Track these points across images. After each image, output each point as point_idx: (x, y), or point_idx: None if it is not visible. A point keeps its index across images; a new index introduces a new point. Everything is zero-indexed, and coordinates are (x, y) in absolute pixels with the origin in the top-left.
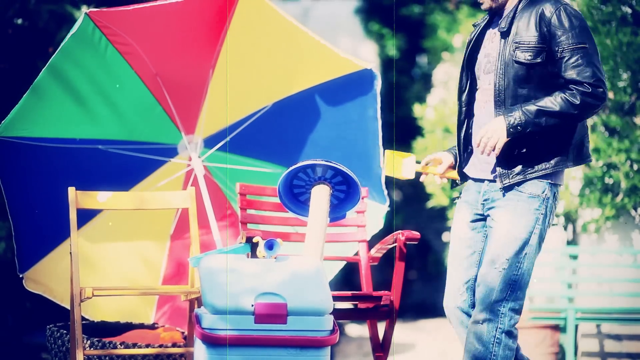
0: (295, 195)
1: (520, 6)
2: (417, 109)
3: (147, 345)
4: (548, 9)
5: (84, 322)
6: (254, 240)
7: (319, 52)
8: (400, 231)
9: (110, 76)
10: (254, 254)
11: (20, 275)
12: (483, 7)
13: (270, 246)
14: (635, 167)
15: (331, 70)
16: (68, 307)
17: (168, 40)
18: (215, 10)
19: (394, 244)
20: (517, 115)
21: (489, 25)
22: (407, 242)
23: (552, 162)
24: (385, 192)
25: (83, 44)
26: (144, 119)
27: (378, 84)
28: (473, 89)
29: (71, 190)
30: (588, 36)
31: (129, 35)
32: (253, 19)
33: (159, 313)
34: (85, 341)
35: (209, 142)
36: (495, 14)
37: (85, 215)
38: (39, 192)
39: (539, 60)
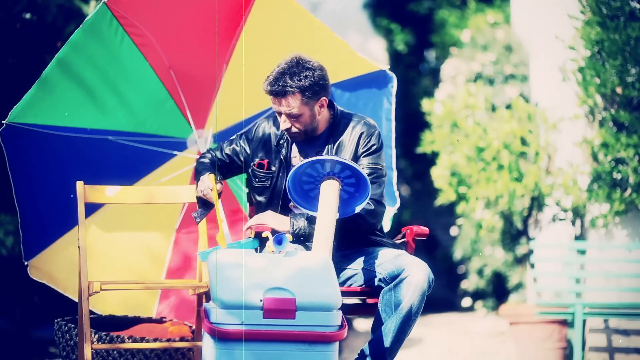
0: (305, 191)
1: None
2: (426, 104)
3: (155, 340)
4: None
5: (91, 316)
6: (263, 235)
7: (336, 51)
8: (409, 226)
9: (124, 67)
10: (263, 249)
11: (25, 263)
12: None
13: (279, 241)
14: None
15: (347, 70)
16: (71, 296)
17: (183, 33)
18: (232, 4)
19: (403, 239)
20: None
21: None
22: (416, 238)
23: None
24: (397, 193)
25: (99, 33)
26: (155, 111)
27: (393, 86)
28: None
29: (79, 185)
30: None
31: (145, 26)
32: (272, 13)
33: (162, 306)
34: (93, 335)
35: (219, 138)
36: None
37: (90, 207)
38: (46, 180)
39: None
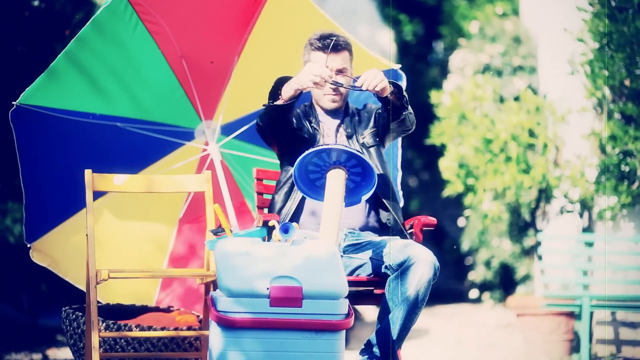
0: (311, 180)
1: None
2: (434, 96)
3: (163, 328)
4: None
5: (99, 304)
6: (270, 224)
7: None
8: (417, 217)
9: (136, 54)
10: (270, 238)
11: (28, 245)
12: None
13: (285, 230)
14: None
15: (358, 69)
16: (71, 281)
17: (198, 23)
18: None
19: (411, 230)
20: None
21: None
22: (424, 228)
23: None
24: (401, 192)
25: (114, 19)
26: (164, 100)
27: (403, 85)
28: None
29: (87, 173)
30: None
31: (160, 14)
32: (285, 9)
33: (162, 294)
34: (100, 323)
35: (226, 129)
36: None
37: (95, 193)
38: (53, 163)
39: None
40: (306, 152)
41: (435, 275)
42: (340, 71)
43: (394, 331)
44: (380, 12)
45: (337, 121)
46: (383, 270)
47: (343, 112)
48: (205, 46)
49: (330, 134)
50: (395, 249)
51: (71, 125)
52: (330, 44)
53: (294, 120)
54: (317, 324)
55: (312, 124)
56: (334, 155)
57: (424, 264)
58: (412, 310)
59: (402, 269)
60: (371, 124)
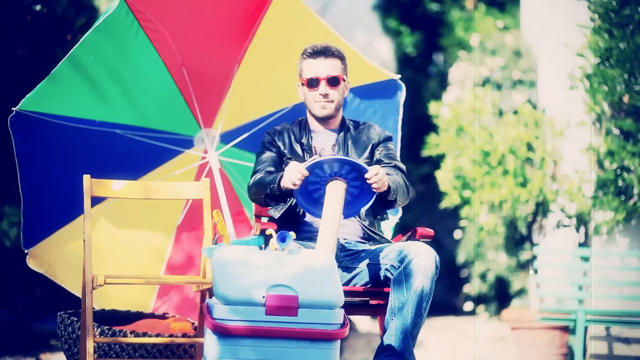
0: (309, 193)
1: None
2: (433, 107)
3: (157, 335)
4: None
5: (94, 310)
6: (267, 232)
7: (347, 59)
8: (414, 228)
9: (136, 61)
10: (267, 247)
11: (25, 251)
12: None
13: (282, 239)
14: None
15: (357, 78)
16: (68, 288)
17: (198, 31)
18: (248, 6)
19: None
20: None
21: None
22: (421, 239)
23: None
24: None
25: (115, 26)
26: (164, 107)
27: (402, 95)
28: None
29: (86, 178)
30: None
31: (161, 22)
32: (286, 18)
33: (159, 302)
34: (95, 329)
35: (226, 138)
36: None
37: (93, 200)
38: (52, 170)
39: None
40: (306, 163)
41: (437, 269)
42: (331, 77)
43: (406, 327)
44: (382, 23)
45: (331, 140)
46: (383, 273)
47: (338, 129)
48: (205, 54)
49: (324, 154)
50: (394, 250)
51: (70, 131)
52: (319, 50)
53: (282, 146)
54: (312, 333)
55: (304, 147)
56: (335, 167)
57: (425, 255)
58: (420, 304)
59: (405, 264)
60: (365, 154)
